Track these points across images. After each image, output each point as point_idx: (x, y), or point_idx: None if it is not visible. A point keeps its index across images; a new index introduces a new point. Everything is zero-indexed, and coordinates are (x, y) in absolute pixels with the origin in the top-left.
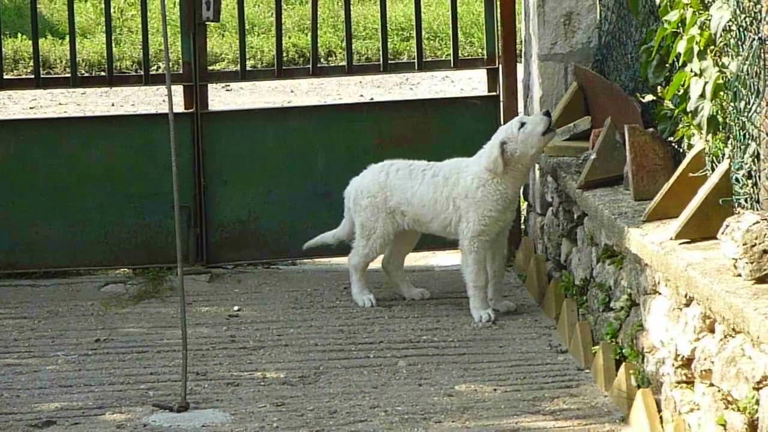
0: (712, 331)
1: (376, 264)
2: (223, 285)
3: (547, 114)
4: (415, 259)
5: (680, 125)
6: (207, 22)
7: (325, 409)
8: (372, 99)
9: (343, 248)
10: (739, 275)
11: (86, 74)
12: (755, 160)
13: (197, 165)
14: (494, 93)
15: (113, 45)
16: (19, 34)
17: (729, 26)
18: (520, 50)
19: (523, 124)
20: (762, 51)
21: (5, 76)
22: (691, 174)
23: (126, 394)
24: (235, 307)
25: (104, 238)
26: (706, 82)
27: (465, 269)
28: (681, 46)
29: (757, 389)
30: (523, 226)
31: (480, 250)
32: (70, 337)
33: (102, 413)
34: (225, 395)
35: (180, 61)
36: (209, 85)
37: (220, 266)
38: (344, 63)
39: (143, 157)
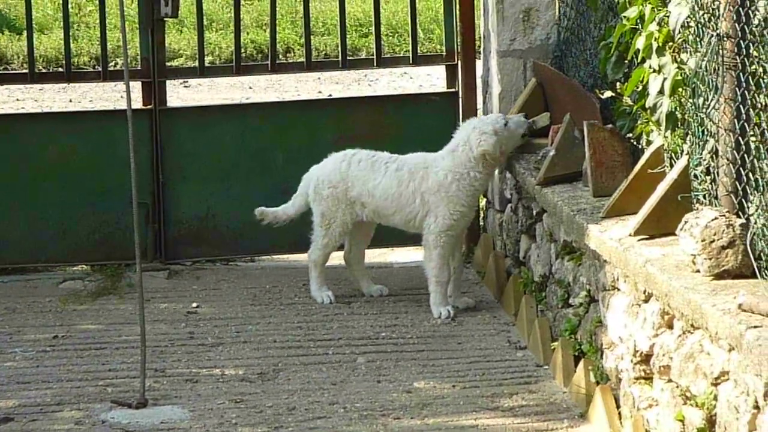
0: (670, 327)
1: (335, 261)
2: (182, 282)
3: (526, 117)
4: (373, 256)
5: (639, 121)
6: (165, 18)
7: (284, 406)
8: (330, 95)
9: (301, 245)
10: (698, 271)
11: (44, 70)
12: (713, 156)
13: (156, 161)
14: (453, 89)
15: (71, 41)
16: None
17: (687, 23)
18: (479, 46)
19: (506, 123)
20: (720, 47)
21: None
22: (649, 170)
23: (84, 391)
24: (194, 304)
25: (62, 235)
26: (664, 79)
27: (428, 264)
28: (640, 43)
29: (716, 385)
30: (482, 223)
31: (446, 245)
32: (28, 334)
33: (60, 410)
34: (184, 392)
35: (138, 57)
36: (167, 82)
37: (179, 263)
38: (303, 59)
39: (101, 153)
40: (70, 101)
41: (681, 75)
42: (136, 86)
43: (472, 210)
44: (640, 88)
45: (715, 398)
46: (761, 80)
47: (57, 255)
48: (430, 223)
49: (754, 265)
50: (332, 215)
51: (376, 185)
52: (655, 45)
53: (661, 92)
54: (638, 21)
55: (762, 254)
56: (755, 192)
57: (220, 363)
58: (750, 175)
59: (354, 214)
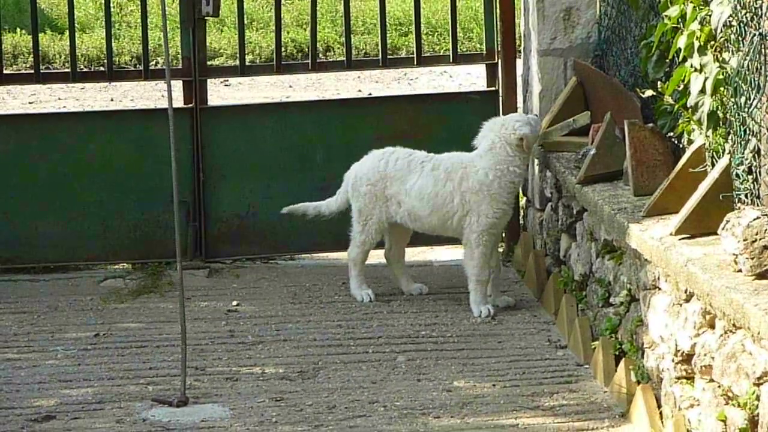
0: (712, 326)
1: (375, 259)
2: (222, 280)
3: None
4: (413, 254)
5: (680, 120)
6: (206, 17)
7: (324, 404)
8: (370, 94)
9: (341, 244)
10: (740, 271)
11: (85, 69)
12: (755, 155)
13: (196, 160)
14: (493, 88)
15: (112, 40)
16: (19, 29)
17: (729, 22)
18: (520, 45)
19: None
20: (762, 47)
21: (5, 71)
22: (691, 169)
23: (125, 389)
24: (234, 302)
25: (103, 233)
26: (706, 78)
27: (469, 263)
28: (681, 42)
29: (758, 385)
30: (521, 222)
31: (488, 243)
32: (70, 332)
33: (101, 408)
34: (224, 390)
35: (179, 56)
36: (208, 81)
37: (219, 261)
38: (343, 58)
39: (142, 152)
40: (111, 100)
41: (723, 74)
42: (177, 85)
43: (512, 208)
44: (682, 87)
45: (758, 398)
46: None
47: (98, 253)
48: (472, 223)
49: None
50: (369, 212)
51: (413, 185)
52: (696, 44)
53: (702, 91)
54: (680, 20)
55: None
56: None
57: (261, 361)
58: None
59: (390, 213)
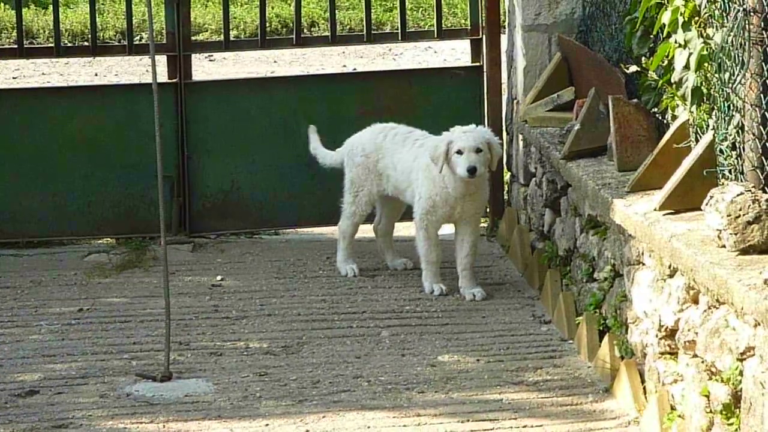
0: (696, 302)
1: (361, 234)
2: (206, 255)
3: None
4: (398, 230)
5: (664, 96)
6: None
7: (308, 379)
8: (355, 69)
9: (325, 218)
10: (724, 246)
11: (69, 44)
12: (739, 131)
13: (181, 135)
14: (478, 63)
15: (97, 15)
16: (2, 4)
17: None
18: (504, 21)
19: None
20: (746, 22)
21: None
22: (675, 145)
23: (109, 364)
24: (218, 277)
25: (87, 208)
26: (690, 54)
27: (417, 243)
28: (666, 17)
29: (741, 360)
30: (506, 197)
31: (429, 228)
32: (53, 307)
33: (85, 383)
34: (208, 365)
35: (163, 31)
36: (193, 55)
37: (203, 236)
38: (327, 33)
39: (126, 127)
40: (96, 75)
41: (707, 50)
42: (162, 60)
43: (454, 208)
44: (666, 62)
45: (741, 374)
46: None
47: (82, 228)
48: (415, 203)
49: None
50: (360, 184)
51: (399, 159)
52: (681, 20)
53: (686, 67)
54: None
55: None
56: None
57: (245, 336)
58: None
59: (381, 186)
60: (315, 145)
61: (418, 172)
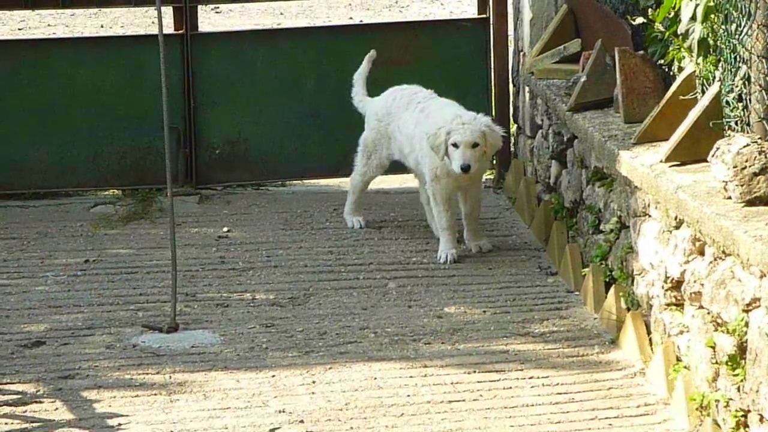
0: (702, 253)
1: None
2: (213, 206)
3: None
4: (405, 181)
5: (671, 48)
6: None
7: (315, 330)
8: (361, 21)
9: (332, 170)
10: (729, 198)
11: None
12: (746, 82)
13: (187, 86)
14: (484, 15)
15: None
16: None
17: None
18: None
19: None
20: None
21: None
22: (681, 97)
23: (115, 315)
24: (225, 228)
25: (93, 160)
26: (697, 5)
27: (432, 209)
28: None
29: (747, 312)
30: (512, 149)
31: (436, 195)
32: (60, 258)
33: (91, 334)
34: (214, 316)
35: None
36: (199, 7)
37: (210, 188)
38: None
39: (133, 78)
40: (102, 27)
41: (713, 1)
42: (168, 11)
43: (457, 180)
44: (672, 14)
45: (746, 325)
46: None
47: (88, 179)
48: (424, 170)
49: None
50: (373, 148)
51: (404, 122)
52: None
53: (693, 18)
54: None
55: None
56: None
57: (251, 288)
58: None
59: (390, 149)
60: (362, 80)
61: (421, 140)
